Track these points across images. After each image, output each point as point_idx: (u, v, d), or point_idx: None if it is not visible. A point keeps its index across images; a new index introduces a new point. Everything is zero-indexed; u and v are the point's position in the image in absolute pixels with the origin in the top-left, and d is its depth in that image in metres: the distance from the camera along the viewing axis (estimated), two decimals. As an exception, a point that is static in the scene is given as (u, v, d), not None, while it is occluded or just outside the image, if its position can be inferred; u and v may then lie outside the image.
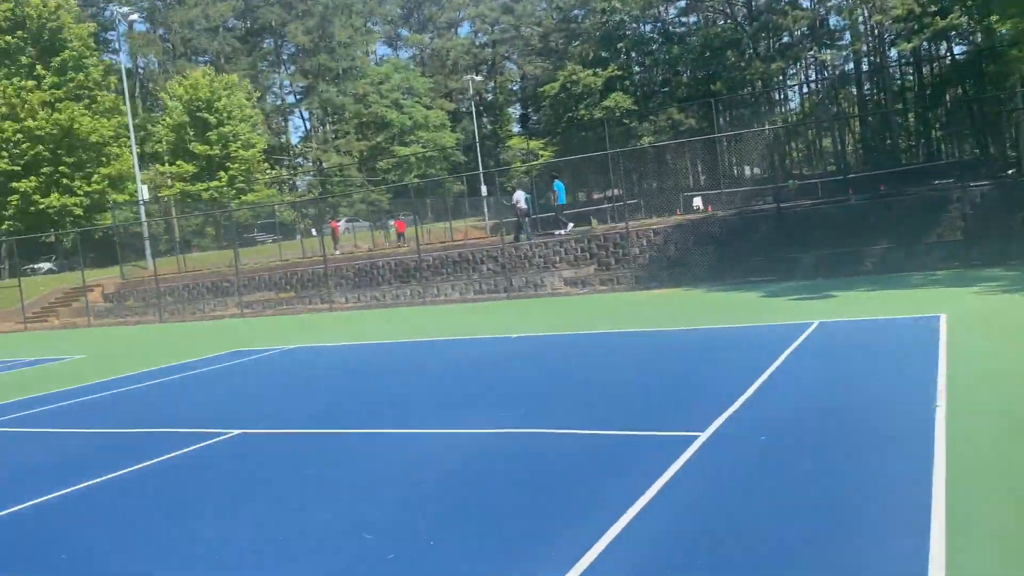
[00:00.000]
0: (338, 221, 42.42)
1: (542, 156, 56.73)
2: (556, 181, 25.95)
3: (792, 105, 69.33)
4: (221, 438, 7.86)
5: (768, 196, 35.32)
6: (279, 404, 9.70)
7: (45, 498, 6.33)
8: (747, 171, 54.21)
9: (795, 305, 14.19)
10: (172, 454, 7.39)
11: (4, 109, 43.21)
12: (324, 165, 72.49)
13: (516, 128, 79.13)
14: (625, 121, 55.47)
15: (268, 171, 59.88)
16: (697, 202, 37.33)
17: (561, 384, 9.18)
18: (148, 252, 36.18)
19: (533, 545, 4.43)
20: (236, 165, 52.12)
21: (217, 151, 51.46)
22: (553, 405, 8.02)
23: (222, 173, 51.50)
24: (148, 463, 7.14)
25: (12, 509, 6.12)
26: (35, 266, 43.99)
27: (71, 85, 45.60)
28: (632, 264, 22.19)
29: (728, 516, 4.59)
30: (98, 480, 6.73)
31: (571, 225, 25.14)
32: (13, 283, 34.17)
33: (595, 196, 54.69)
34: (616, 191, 33.94)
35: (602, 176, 44.73)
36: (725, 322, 12.97)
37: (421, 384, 10.16)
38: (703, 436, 6.16)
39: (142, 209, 38.24)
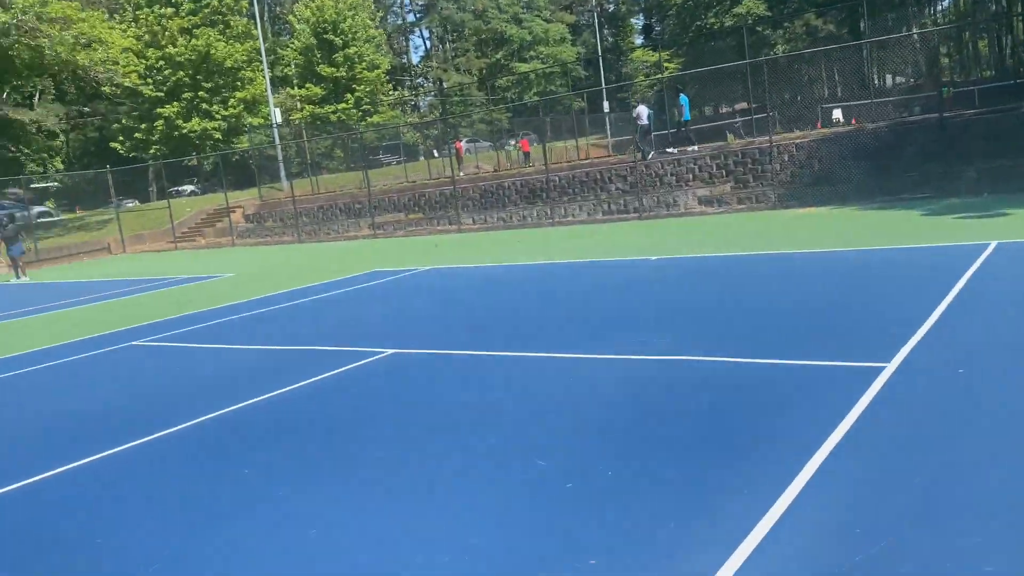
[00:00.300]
0: (460, 141, 42.27)
1: (667, 69, 54.39)
2: (681, 95, 24.70)
3: (944, 5, 63.45)
4: (375, 357, 7.95)
5: (916, 106, 32.63)
6: (426, 324, 9.76)
7: (215, 414, 6.57)
8: (889, 80, 50.20)
9: (965, 224, 13.05)
10: (331, 372, 7.53)
11: (147, 37, 45.05)
12: (444, 84, 72.28)
13: (639, 40, 76.04)
14: (758, 29, 52.19)
15: (391, 92, 60.22)
16: (837, 114, 34.98)
17: (714, 309, 8.75)
18: (283, 174, 37.40)
19: (720, 482, 4.16)
20: (362, 87, 52.67)
21: (343, 73, 52.06)
22: (710, 331, 7.63)
23: (348, 95, 52.21)
24: (308, 381, 7.30)
25: (187, 424, 6.39)
26: (179, 188, 46.44)
27: (206, 11, 46.85)
28: (772, 181, 21.05)
29: (937, 456, 4.16)
30: (264, 397, 6.92)
31: (685, 148, 23.94)
32: (161, 205, 36.24)
33: (722, 110, 52.25)
34: (750, 104, 32.14)
35: (731, 89, 42.51)
36: (888, 243, 12.05)
37: (564, 306, 9.96)
38: (890, 367, 5.67)
39: (275, 132, 39.37)
